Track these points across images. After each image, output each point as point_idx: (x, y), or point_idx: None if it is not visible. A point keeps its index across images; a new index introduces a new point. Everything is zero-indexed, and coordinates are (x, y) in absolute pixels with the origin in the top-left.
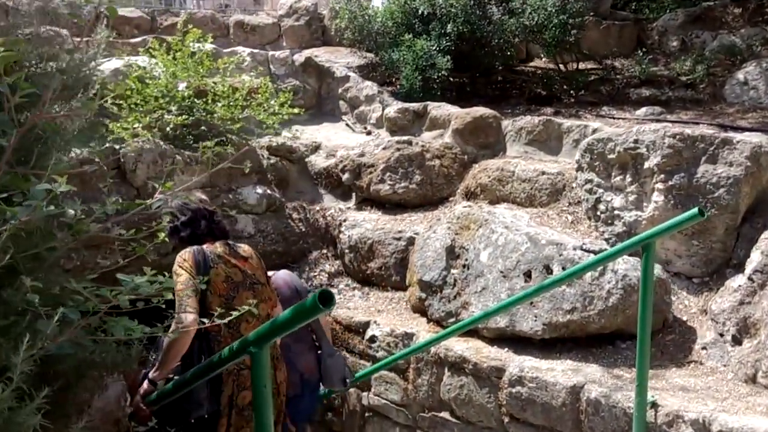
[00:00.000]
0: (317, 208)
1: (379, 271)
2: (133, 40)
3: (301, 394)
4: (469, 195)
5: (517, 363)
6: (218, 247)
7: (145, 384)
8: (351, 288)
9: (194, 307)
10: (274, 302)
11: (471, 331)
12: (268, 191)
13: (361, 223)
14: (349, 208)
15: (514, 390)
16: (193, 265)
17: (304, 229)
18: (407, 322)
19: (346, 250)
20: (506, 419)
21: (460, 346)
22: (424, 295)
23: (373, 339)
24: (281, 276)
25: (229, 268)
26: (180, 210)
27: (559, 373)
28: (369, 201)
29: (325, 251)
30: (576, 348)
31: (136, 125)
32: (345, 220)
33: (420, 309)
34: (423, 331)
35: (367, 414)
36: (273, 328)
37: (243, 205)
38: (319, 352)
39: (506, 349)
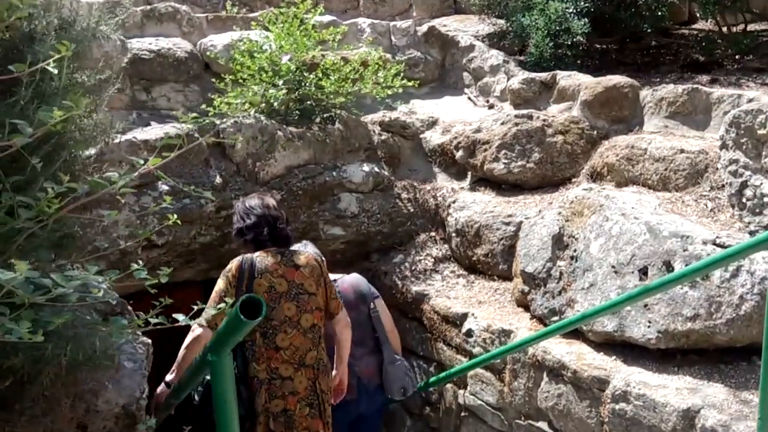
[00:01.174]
0: (428, 187)
1: (485, 258)
2: (252, 15)
3: (357, 399)
4: (595, 176)
5: (623, 375)
6: (269, 257)
7: (162, 385)
8: (456, 275)
9: (212, 319)
10: (323, 314)
11: (576, 333)
12: (376, 169)
13: (469, 205)
14: (462, 188)
15: (617, 407)
16: (236, 275)
17: (412, 210)
18: (508, 317)
19: (453, 234)
20: None
21: (560, 349)
22: (526, 288)
23: (469, 333)
24: (348, 281)
25: (275, 278)
26: (246, 213)
27: (672, 391)
28: (484, 181)
29: (433, 234)
30: (700, 362)
31: (240, 100)
32: (454, 202)
33: (523, 303)
34: (524, 328)
35: (462, 414)
36: (219, 339)
37: (347, 184)
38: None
39: (614, 357)
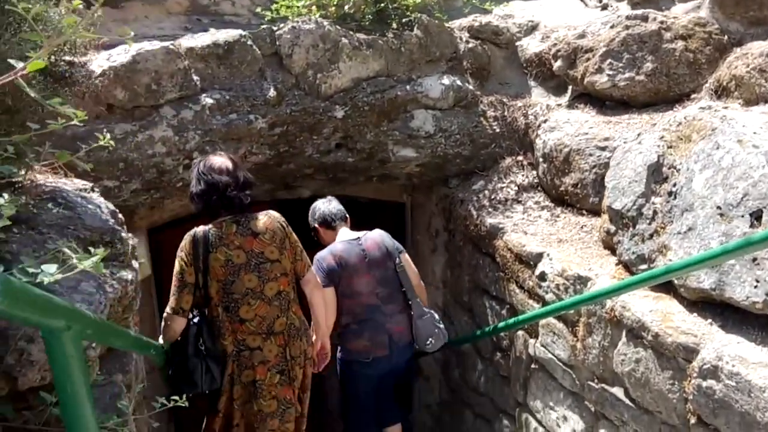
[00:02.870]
0: (519, 104)
1: (574, 188)
2: None
3: (388, 356)
4: (720, 92)
5: (716, 345)
6: (224, 227)
7: None
8: (540, 207)
9: (174, 308)
10: (291, 278)
11: (666, 286)
12: (458, 82)
13: (561, 126)
14: (559, 105)
15: (705, 383)
16: (190, 251)
17: (498, 130)
18: (589, 261)
19: (541, 159)
20: (692, 420)
21: (642, 306)
22: (613, 228)
23: (543, 276)
24: (371, 237)
25: (231, 250)
26: (198, 178)
27: None
28: (585, 97)
29: (520, 159)
30: None
31: (303, 2)
32: (546, 121)
33: (609, 245)
34: (606, 275)
35: (532, 366)
36: None
37: (423, 99)
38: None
39: (708, 320)
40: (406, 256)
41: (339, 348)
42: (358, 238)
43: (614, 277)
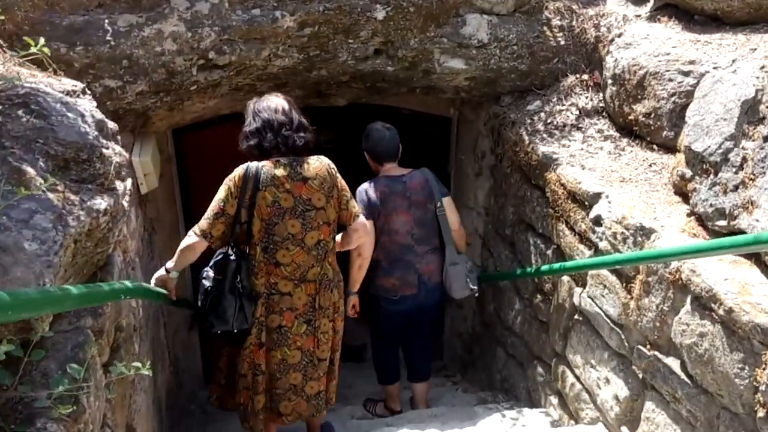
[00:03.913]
0: (591, 12)
1: (646, 118)
2: None
3: (416, 294)
4: None
5: None
6: (276, 167)
7: (162, 270)
8: (602, 137)
9: (201, 231)
10: (334, 228)
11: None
12: None
13: (639, 42)
14: (638, 16)
15: None
16: (239, 184)
17: (563, 43)
18: (654, 207)
19: (609, 81)
20: (761, 412)
21: (715, 272)
22: (689, 173)
23: (597, 221)
24: (416, 177)
25: (280, 192)
26: (253, 116)
27: None
28: (671, 8)
29: (585, 78)
30: None
31: None
32: (620, 35)
33: (681, 191)
34: (673, 227)
35: (576, 317)
36: None
37: (478, 1)
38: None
39: None
40: (449, 199)
41: (369, 282)
42: (403, 175)
43: (684, 231)
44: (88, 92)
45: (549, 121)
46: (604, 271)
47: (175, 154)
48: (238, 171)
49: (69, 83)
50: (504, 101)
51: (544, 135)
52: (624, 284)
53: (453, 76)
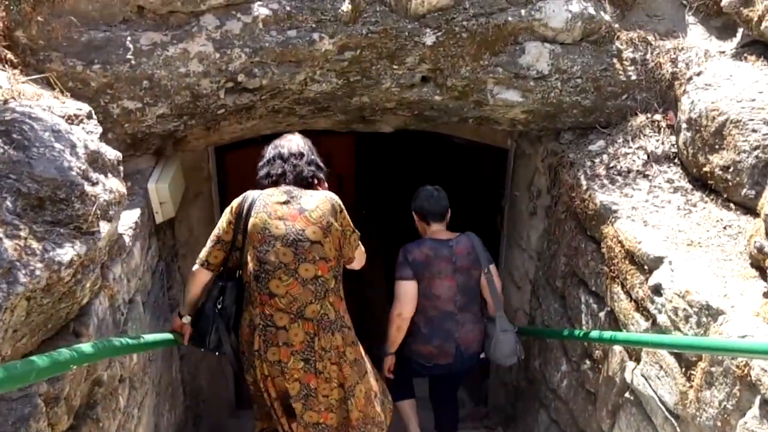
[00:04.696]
0: (669, 45)
1: (723, 172)
2: None
3: (451, 363)
4: None
5: None
6: (275, 195)
7: (176, 316)
8: (672, 188)
9: (200, 260)
10: (334, 267)
11: None
12: (591, 9)
13: (720, 83)
14: (722, 53)
15: None
16: (235, 211)
17: (634, 78)
18: (725, 280)
19: (684, 124)
20: None
21: None
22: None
23: (657, 290)
24: (463, 242)
25: (271, 219)
26: (268, 150)
27: None
28: (761, 46)
29: (657, 118)
30: None
31: None
32: (699, 74)
33: (759, 265)
34: (747, 309)
35: (626, 395)
36: None
37: (540, 28)
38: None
39: None
40: (494, 267)
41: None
42: (450, 239)
43: (758, 315)
44: (94, 117)
45: (612, 164)
46: (663, 351)
47: (216, 172)
48: (237, 200)
49: (73, 106)
50: (564, 138)
51: (605, 181)
52: (683, 369)
53: (507, 108)
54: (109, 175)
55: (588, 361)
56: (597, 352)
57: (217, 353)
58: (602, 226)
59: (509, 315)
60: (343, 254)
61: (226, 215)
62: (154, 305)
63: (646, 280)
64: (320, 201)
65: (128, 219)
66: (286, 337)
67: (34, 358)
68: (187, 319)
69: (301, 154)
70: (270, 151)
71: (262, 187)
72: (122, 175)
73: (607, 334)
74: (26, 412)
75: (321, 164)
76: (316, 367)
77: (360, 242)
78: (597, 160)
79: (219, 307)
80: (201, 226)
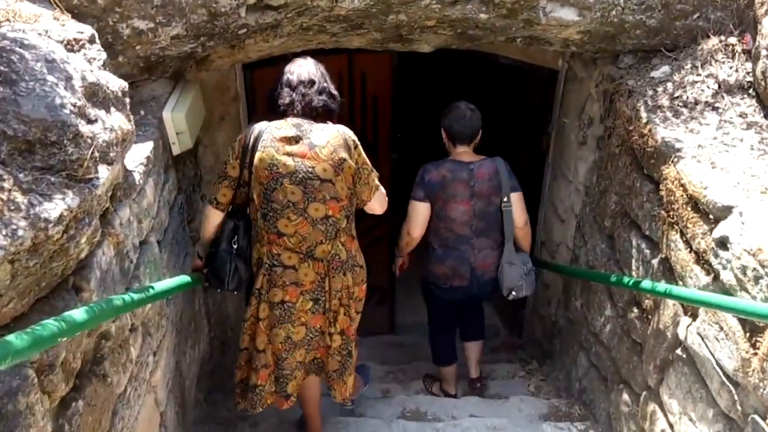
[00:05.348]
0: None
1: None
2: None
3: (467, 286)
4: None
5: None
6: (283, 128)
7: (195, 258)
8: (746, 123)
9: (212, 195)
10: (347, 205)
11: None
12: None
13: None
14: None
15: None
16: (242, 144)
17: None
18: None
19: (763, 51)
20: None
21: None
22: None
23: (723, 243)
24: (485, 167)
25: (279, 155)
26: (278, 77)
27: None
28: None
29: (732, 41)
30: None
31: None
32: None
33: None
34: None
35: (677, 351)
36: None
37: None
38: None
39: None
40: (519, 196)
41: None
42: (472, 162)
43: None
44: (97, 42)
45: (677, 94)
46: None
47: (245, 91)
48: (244, 131)
49: (74, 29)
50: (623, 62)
51: (668, 113)
52: (747, 334)
53: (561, 28)
54: (112, 109)
55: (636, 309)
56: (647, 301)
57: (236, 293)
58: (662, 166)
59: (550, 248)
60: (356, 193)
61: (232, 148)
62: (173, 242)
63: (711, 230)
64: (332, 136)
65: (139, 154)
66: (296, 277)
67: (9, 338)
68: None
69: (312, 82)
70: (279, 78)
71: (270, 118)
72: (130, 105)
73: (662, 286)
74: (14, 385)
75: (334, 92)
76: (325, 308)
77: (380, 184)
78: (660, 89)
79: (235, 246)
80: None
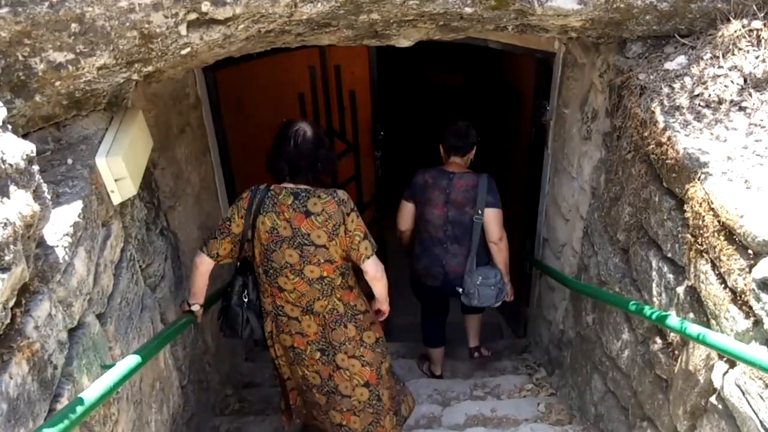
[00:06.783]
0: None
1: None
2: None
3: (440, 287)
4: None
5: None
6: (282, 195)
7: (185, 305)
8: None
9: (208, 251)
10: (340, 266)
11: None
12: None
13: None
14: None
15: None
16: (245, 206)
17: None
18: None
19: None
20: None
21: None
22: None
23: (764, 284)
24: (468, 178)
25: (279, 220)
26: (276, 138)
27: None
28: None
29: (755, 26)
30: None
31: None
32: None
33: None
34: None
35: (712, 400)
36: None
37: None
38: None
39: None
40: (495, 212)
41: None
42: (454, 172)
43: None
44: None
45: (697, 92)
46: None
47: (207, 96)
48: (246, 193)
49: None
50: (630, 50)
51: (688, 116)
52: None
53: (557, 17)
54: (12, 188)
55: (659, 340)
56: (674, 338)
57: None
58: (687, 183)
59: (555, 248)
60: (351, 257)
61: (236, 207)
62: (122, 305)
63: (750, 267)
64: (326, 202)
65: (64, 222)
66: (300, 327)
67: None
68: (196, 308)
69: (309, 149)
70: (276, 143)
71: (271, 178)
72: (55, 151)
73: (694, 329)
74: None
75: (330, 154)
76: (335, 361)
77: (375, 255)
78: (677, 85)
79: (246, 300)
80: (191, 165)
